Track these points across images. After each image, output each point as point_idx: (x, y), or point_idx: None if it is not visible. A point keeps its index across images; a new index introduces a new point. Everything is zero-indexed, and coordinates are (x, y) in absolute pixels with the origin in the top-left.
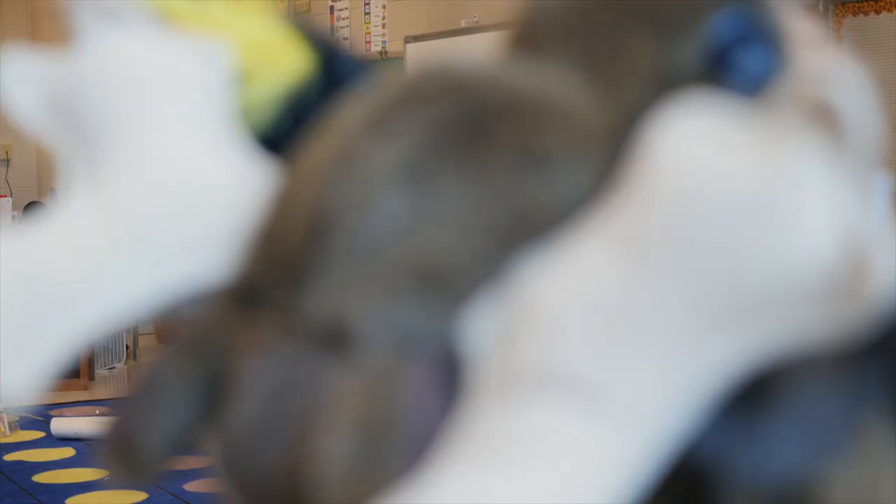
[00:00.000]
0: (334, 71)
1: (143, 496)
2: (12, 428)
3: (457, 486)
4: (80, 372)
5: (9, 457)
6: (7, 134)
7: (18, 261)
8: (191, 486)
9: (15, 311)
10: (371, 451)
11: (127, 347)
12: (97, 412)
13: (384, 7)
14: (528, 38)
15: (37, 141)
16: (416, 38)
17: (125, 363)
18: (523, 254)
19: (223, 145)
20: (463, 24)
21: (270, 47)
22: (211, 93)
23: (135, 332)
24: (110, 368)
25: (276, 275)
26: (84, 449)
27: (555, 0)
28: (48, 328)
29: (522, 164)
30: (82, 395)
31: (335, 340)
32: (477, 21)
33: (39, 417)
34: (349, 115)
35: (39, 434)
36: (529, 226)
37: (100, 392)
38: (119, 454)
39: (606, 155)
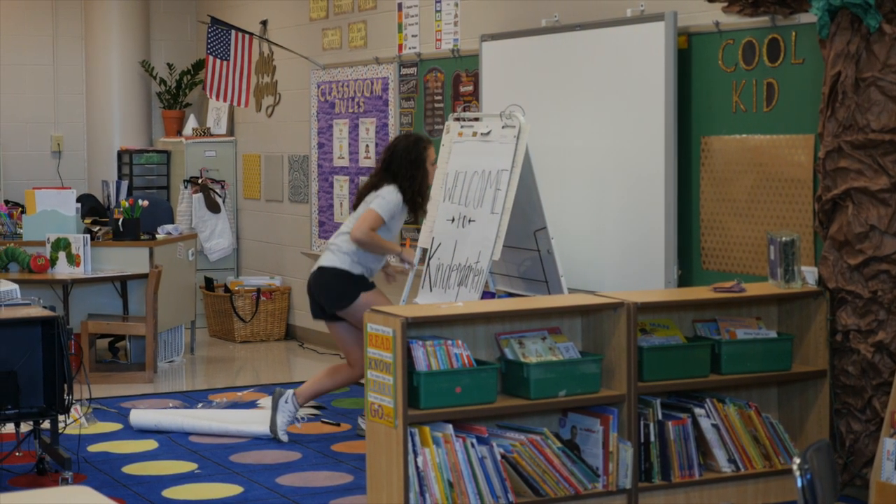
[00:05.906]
0: None
1: (238, 489)
2: (90, 419)
3: None
4: (145, 365)
5: (92, 448)
6: (59, 126)
7: None
8: (283, 480)
9: None
10: None
11: (185, 343)
12: (170, 405)
13: (457, 5)
14: None
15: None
16: (493, 37)
17: (183, 357)
18: None
19: None
20: (543, 23)
21: None
22: None
23: (192, 328)
24: (170, 362)
25: None
26: (165, 441)
27: None
28: None
29: None
30: (147, 388)
31: None
32: (557, 21)
33: (112, 409)
34: None
35: (117, 426)
36: None
37: (162, 385)
38: None
39: None
